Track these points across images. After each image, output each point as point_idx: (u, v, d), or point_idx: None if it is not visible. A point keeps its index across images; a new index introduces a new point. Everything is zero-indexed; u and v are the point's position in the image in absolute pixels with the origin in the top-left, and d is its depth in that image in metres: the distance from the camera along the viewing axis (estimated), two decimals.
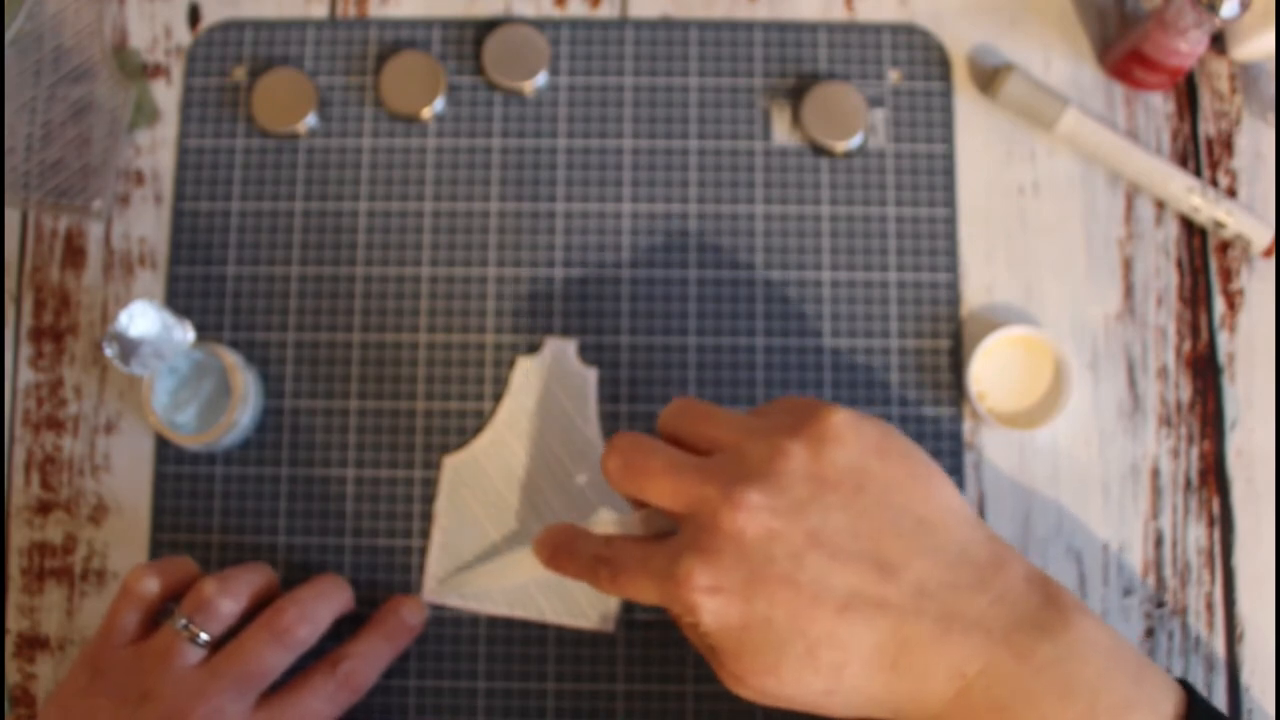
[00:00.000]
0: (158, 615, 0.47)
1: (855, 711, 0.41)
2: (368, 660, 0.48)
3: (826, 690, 0.40)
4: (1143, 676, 0.40)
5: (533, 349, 0.53)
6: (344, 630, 0.50)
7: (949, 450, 0.53)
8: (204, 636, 0.45)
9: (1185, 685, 0.41)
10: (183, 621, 0.45)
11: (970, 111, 0.56)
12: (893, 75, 0.56)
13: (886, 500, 0.41)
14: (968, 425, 0.53)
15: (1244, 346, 0.54)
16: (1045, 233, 0.55)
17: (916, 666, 0.39)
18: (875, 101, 0.56)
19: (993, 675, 0.39)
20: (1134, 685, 0.39)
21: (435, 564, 0.52)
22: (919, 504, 0.41)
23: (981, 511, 0.52)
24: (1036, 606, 0.40)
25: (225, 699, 0.44)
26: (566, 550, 0.45)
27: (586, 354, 0.53)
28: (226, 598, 0.46)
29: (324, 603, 0.48)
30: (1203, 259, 0.55)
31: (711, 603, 0.40)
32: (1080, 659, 0.39)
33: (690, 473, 0.42)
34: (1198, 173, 0.55)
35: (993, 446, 0.53)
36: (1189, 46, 0.52)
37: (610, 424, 0.53)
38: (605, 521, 0.45)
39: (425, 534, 0.52)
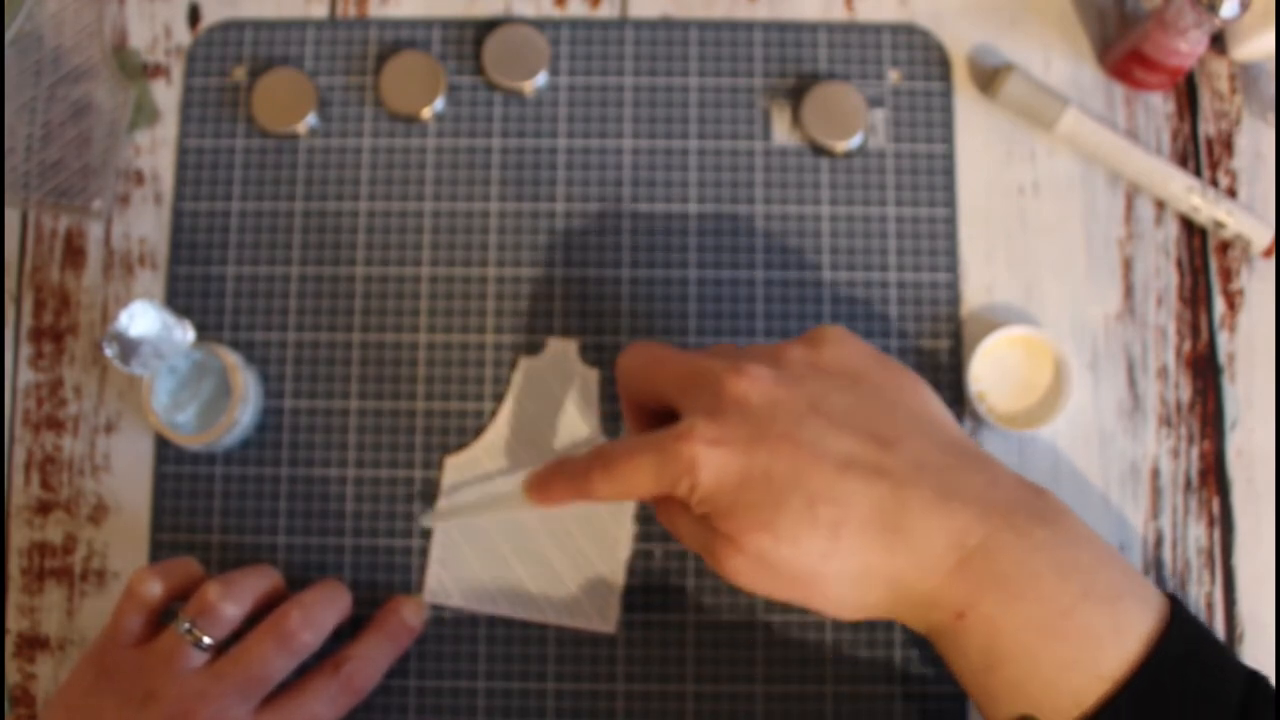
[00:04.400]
0: (162, 616, 0.47)
1: (851, 586, 0.40)
2: (369, 662, 0.48)
3: (824, 553, 0.39)
4: (1130, 572, 0.41)
5: (533, 349, 0.53)
6: (344, 631, 0.50)
7: None
8: (207, 640, 0.45)
9: (1168, 593, 0.41)
10: (186, 625, 0.45)
11: (970, 111, 0.56)
12: (893, 75, 0.56)
13: (881, 394, 0.43)
14: (968, 425, 0.53)
15: (1244, 346, 0.54)
16: (1045, 233, 0.55)
17: (916, 530, 0.39)
18: (875, 101, 0.56)
19: (993, 546, 0.39)
20: (1123, 576, 0.40)
21: (436, 564, 0.52)
22: (912, 402, 0.43)
23: None
24: (1030, 496, 0.41)
25: (228, 702, 0.44)
26: (555, 472, 0.45)
27: (586, 354, 0.53)
28: (229, 602, 0.46)
29: (328, 608, 0.48)
30: (1203, 259, 0.55)
31: (712, 454, 0.40)
32: (1075, 545, 0.40)
33: (700, 355, 0.43)
34: (1198, 173, 0.55)
35: (993, 446, 0.53)
36: (1189, 46, 0.52)
37: (611, 424, 0.53)
38: None
39: (425, 534, 0.52)
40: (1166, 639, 0.39)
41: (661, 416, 0.44)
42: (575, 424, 0.53)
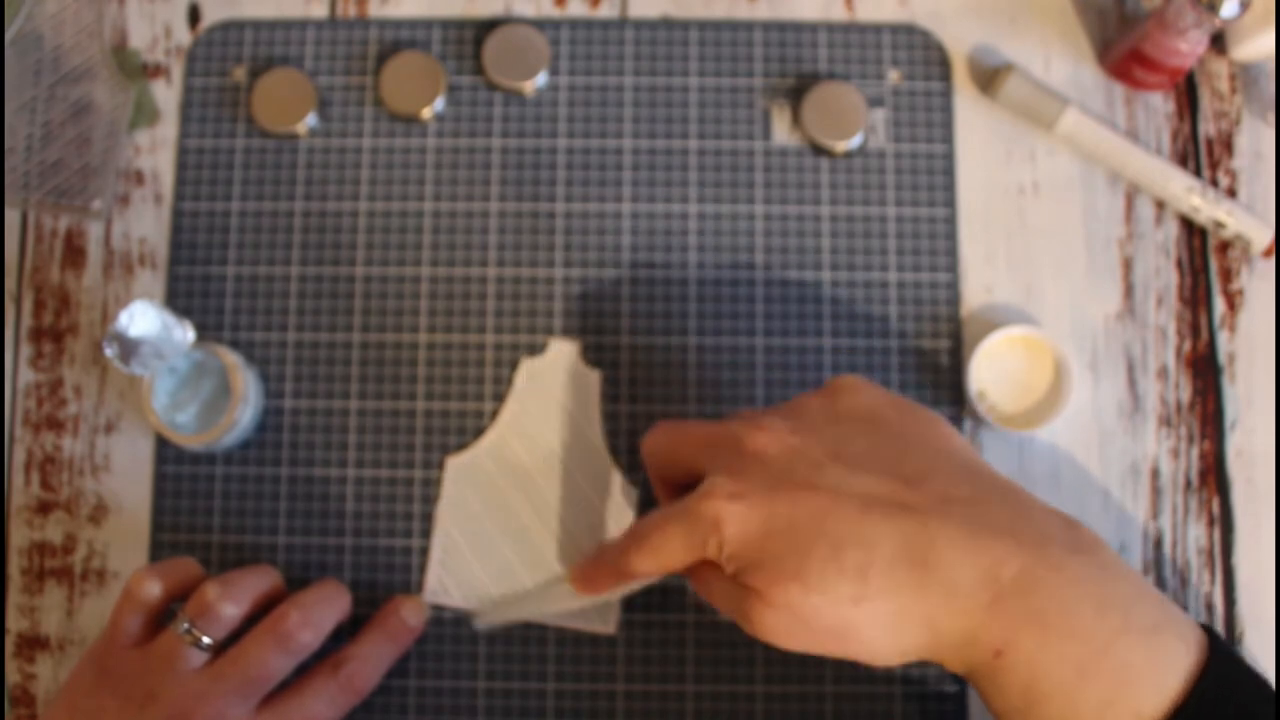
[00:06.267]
0: (162, 617, 0.47)
1: (887, 631, 0.39)
2: (369, 662, 0.48)
3: (854, 597, 0.38)
4: (1166, 604, 0.40)
5: (533, 349, 0.53)
6: (344, 631, 0.50)
7: None
8: (206, 640, 0.45)
9: (1203, 625, 0.41)
10: (185, 625, 0.45)
11: (970, 111, 0.56)
12: (893, 75, 0.56)
13: (902, 435, 0.42)
14: (968, 425, 0.53)
15: (1244, 346, 0.54)
16: (1045, 233, 0.55)
17: (947, 566, 0.38)
18: (875, 101, 0.56)
19: (1028, 581, 0.38)
20: (1160, 610, 0.39)
21: (437, 565, 0.52)
22: (934, 440, 0.43)
23: None
24: (1062, 528, 0.40)
25: (227, 702, 0.44)
26: (597, 562, 0.45)
27: (586, 354, 0.53)
28: (228, 602, 0.46)
29: (327, 608, 0.48)
30: (1203, 259, 0.55)
31: (735, 509, 0.40)
32: (1111, 578, 0.39)
33: (721, 422, 0.44)
34: (1198, 173, 0.55)
35: (993, 446, 0.53)
36: (1189, 46, 0.52)
37: (612, 424, 0.53)
38: None
39: (425, 534, 0.52)
40: (1206, 675, 0.38)
41: (690, 490, 0.43)
42: (576, 426, 0.53)
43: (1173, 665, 0.38)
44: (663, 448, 0.45)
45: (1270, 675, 0.51)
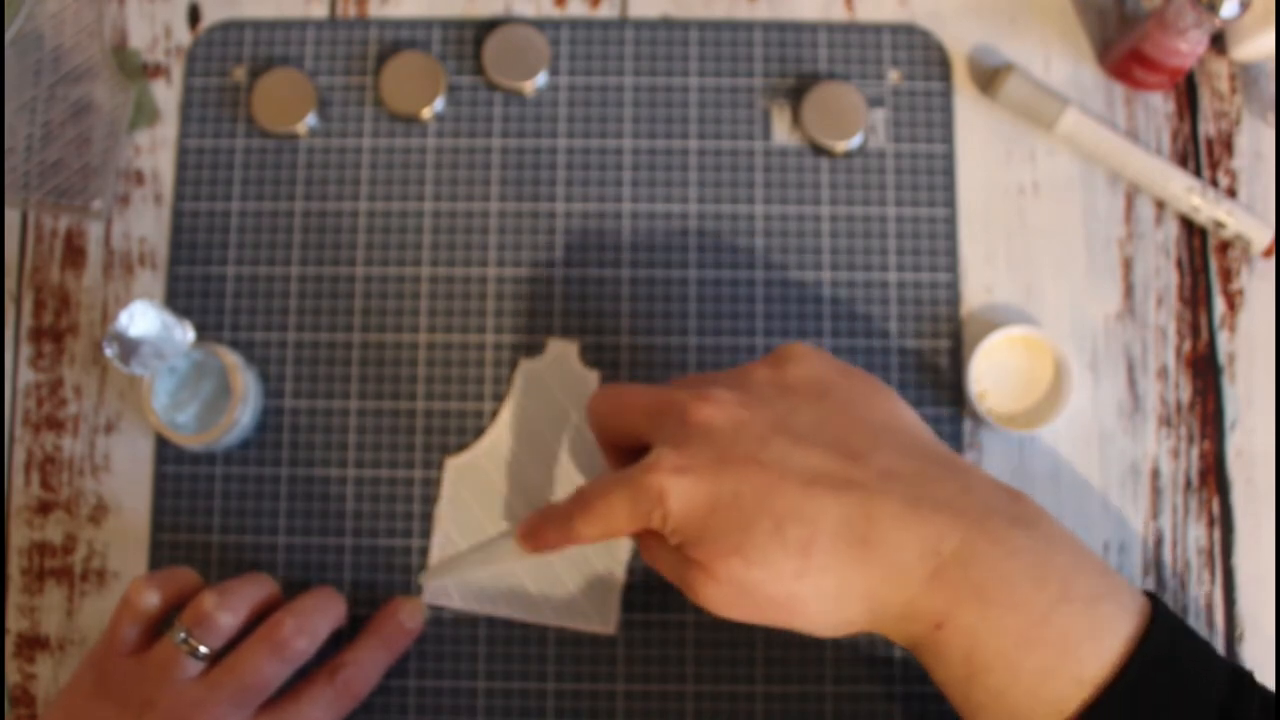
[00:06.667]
0: (160, 625, 0.47)
1: (829, 604, 0.40)
2: (366, 667, 0.48)
3: (797, 572, 0.39)
4: (1109, 574, 0.40)
5: (533, 349, 0.53)
6: (343, 634, 0.50)
7: None
8: (203, 650, 0.45)
9: (1148, 593, 0.41)
10: (182, 635, 0.45)
11: (970, 111, 0.56)
12: (893, 75, 0.56)
13: (849, 407, 0.42)
14: (968, 425, 0.53)
15: (1244, 346, 0.54)
16: (1045, 233, 0.55)
17: (888, 541, 0.39)
18: (875, 101, 0.56)
19: (968, 555, 0.39)
20: (1102, 580, 0.40)
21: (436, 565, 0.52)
22: (881, 414, 0.43)
23: None
24: (1005, 501, 0.41)
25: (224, 710, 0.44)
26: (542, 520, 0.45)
27: (586, 354, 0.53)
28: (225, 611, 0.46)
29: (322, 615, 0.48)
30: (1203, 259, 0.55)
31: (679, 483, 0.40)
32: (1052, 549, 0.40)
33: (667, 388, 0.44)
34: (1198, 173, 0.55)
35: (993, 446, 0.53)
36: (1189, 46, 0.52)
37: None
38: None
39: (425, 534, 0.52)
40: (1146, 641, 0.38)
41: (637, 454, 0.43)
42: (576, 426, 0.53)
43: (1113, 632, 0.38)
44: (608, 410, 0.45)
45: (1270, 676, 0.51)
